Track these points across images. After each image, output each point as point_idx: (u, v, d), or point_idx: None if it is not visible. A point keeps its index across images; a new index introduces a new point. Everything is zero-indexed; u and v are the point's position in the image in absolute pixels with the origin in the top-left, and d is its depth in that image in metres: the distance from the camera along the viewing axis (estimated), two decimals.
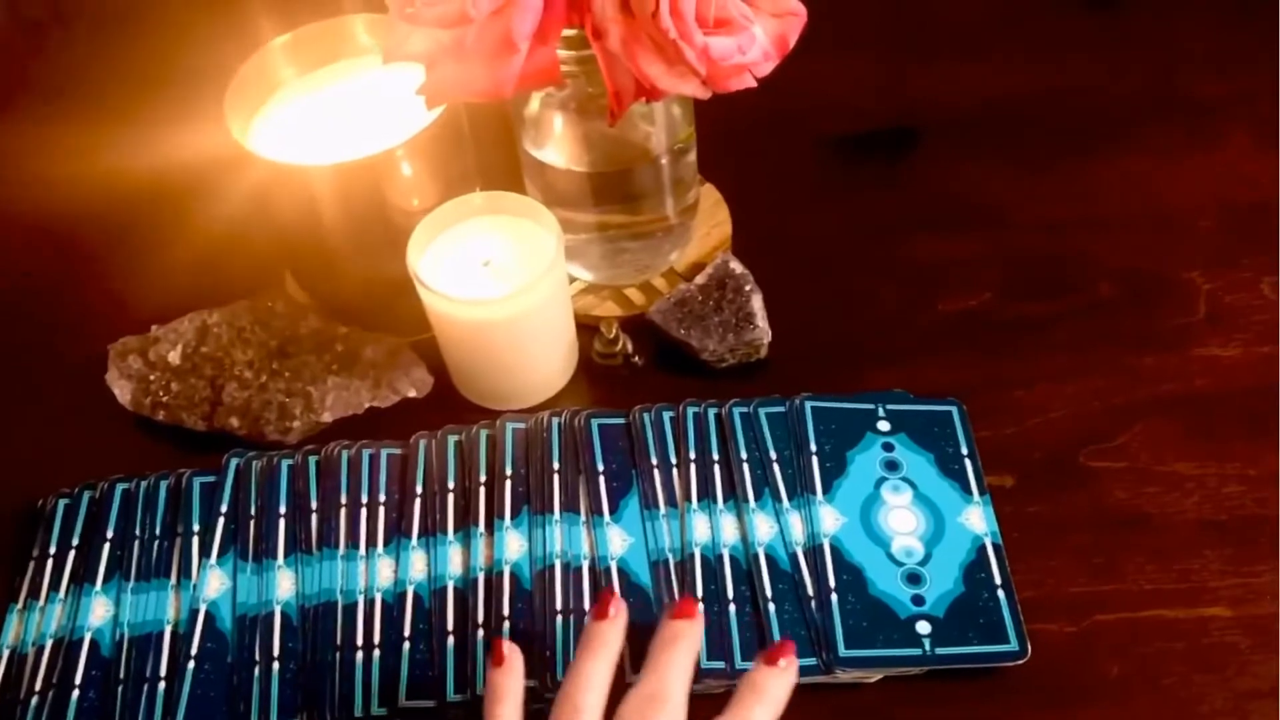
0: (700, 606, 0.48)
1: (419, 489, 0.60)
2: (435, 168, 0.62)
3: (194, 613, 0.56)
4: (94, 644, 0.56)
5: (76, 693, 0.54)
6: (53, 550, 0.60)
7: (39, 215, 0.76)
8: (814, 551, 0.56)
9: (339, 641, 0.55)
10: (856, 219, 0.72)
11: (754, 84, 0.52)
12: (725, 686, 0.53)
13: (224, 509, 0.59)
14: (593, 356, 0.65)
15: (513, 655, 0.48)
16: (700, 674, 0.53)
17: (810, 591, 0.55)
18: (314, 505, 0.60)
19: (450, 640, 0.55)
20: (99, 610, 0.57)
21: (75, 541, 0.60)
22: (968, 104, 0.78)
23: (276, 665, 0.55)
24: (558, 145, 0.62)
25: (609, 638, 0.47)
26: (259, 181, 0.60)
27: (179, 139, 0.69)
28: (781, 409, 0.62)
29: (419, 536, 0.58)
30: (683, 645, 0.47)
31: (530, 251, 0.61)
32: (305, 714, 0.53)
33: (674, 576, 0.56)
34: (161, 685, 0.54)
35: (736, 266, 0.66)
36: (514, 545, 0.57)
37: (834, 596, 0.55)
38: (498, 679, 0.47)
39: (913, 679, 0.54)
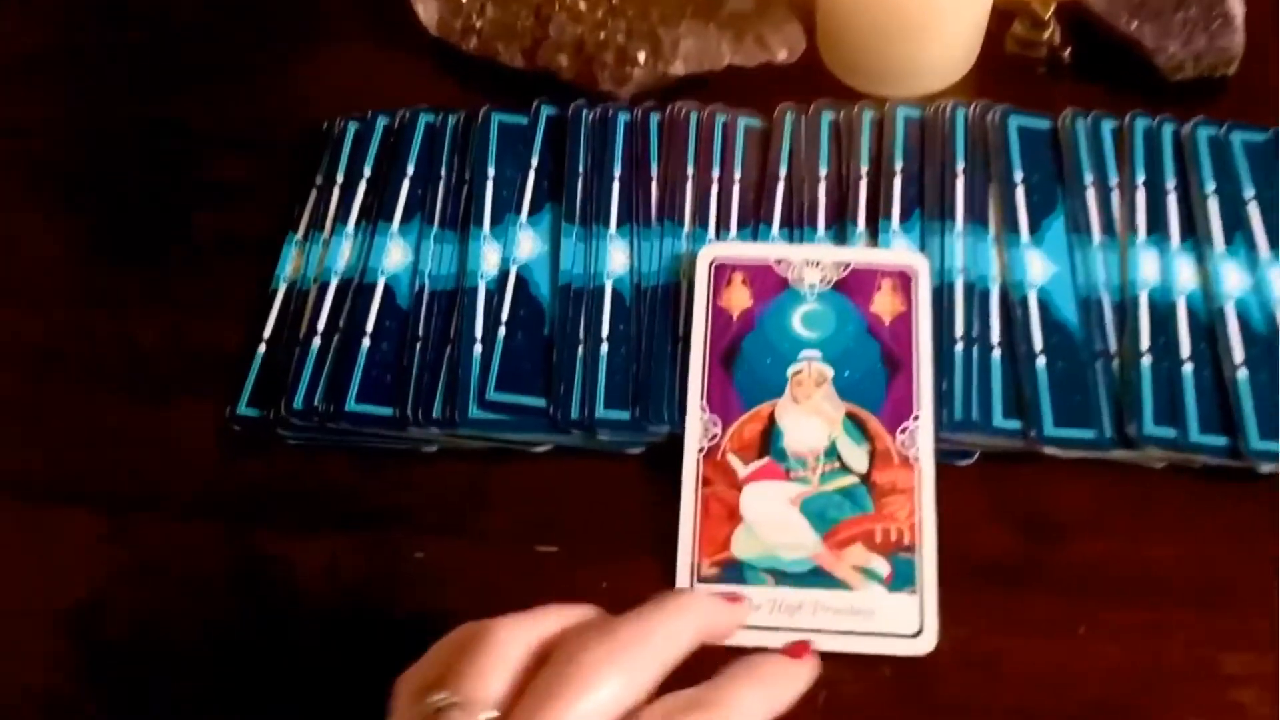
0: (814, 657, 0.32)
1: (783, 171, 0.49)
2: None
3: (504, 274, 0.47)
4: (389, 290, 0.47)
5: (367, 341, 0.46)
6: (339, 179, 0.51)
7: None
8: None
9: (681, 333, 0.45)
10: None
11: None
12: (1169, 459, 0.42)
13: (534, 162, 0.49)
14: (1006, 42, 0.52)
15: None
16: (1143, 440, 0.42)
17: None
18: (654, 173, 0.49)
19: None
20: (395, 254, 0.48)
21: (367, 172, 0.50)
22: None
23: (605, 348, 0.45)
24: None
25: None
26: None
27: None
28: (1261, 138, 0.48)
29: (780, 227, 0.47)
30: (769, 682, 0.31)
31: None
32: (638, 409, 0.44)
33: (1110, 319, 0.44)
34: (476, 349, 0.45)
35: None
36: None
37: None
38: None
39: None
